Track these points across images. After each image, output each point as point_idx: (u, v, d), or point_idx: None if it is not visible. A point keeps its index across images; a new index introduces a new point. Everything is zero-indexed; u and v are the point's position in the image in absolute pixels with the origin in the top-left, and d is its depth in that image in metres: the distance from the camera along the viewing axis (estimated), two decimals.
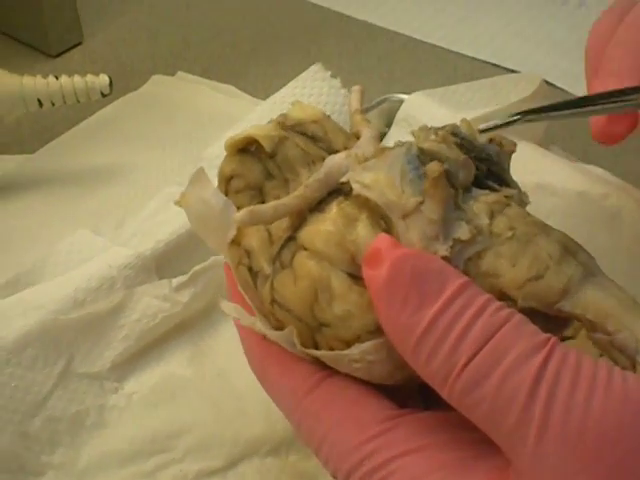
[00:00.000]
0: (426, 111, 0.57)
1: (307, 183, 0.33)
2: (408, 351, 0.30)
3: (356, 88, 0.40)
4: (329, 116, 0.37)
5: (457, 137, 0.35)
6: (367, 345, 0.32)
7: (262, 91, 0.67)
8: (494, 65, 0.73)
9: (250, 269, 0.34)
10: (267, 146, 0.35)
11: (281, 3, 0.81)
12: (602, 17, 0.47)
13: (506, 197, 0.34)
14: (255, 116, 0.55)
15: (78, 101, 0.58)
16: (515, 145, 0.37)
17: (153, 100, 0.68)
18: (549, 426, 0.27)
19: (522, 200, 0.35)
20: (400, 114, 0.58)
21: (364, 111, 0.39)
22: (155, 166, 0.57)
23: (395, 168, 0.32)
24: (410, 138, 0.56)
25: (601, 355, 0.47)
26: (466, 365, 0.28)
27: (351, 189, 0.33)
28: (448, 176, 0.32)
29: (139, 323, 0.47)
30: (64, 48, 0.75)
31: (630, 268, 0.52)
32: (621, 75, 0.45)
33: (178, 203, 0.36)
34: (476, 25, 0.78)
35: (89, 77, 0.57)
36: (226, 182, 0.36)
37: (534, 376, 0.27)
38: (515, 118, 0.44)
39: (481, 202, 0.33)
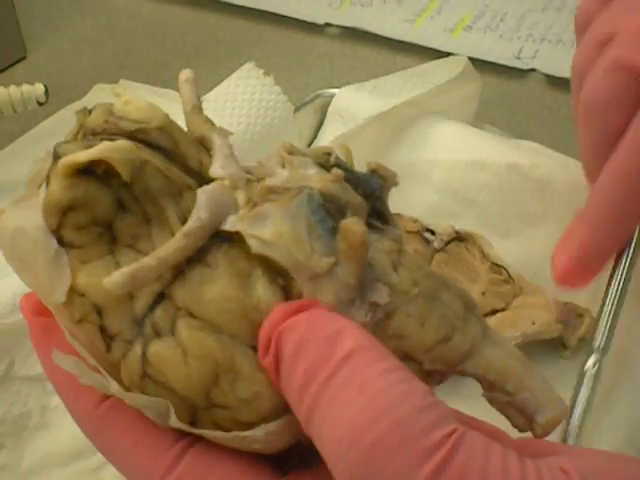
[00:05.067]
0: (357, 102, 0.58)
1: (188, 231, 0.27)
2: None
3: (184, 76, 0.32)
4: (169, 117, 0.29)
5: (341, 168, 0.30)
6: (273, 425, 0.27)
7: (204, 94, 0.68)
8: (431, 55, 0.74)
9: (102, 329, 0.27)
10: (125, 174, 0.27)
11: (220, 9, 0.82)
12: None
13: (395, 241, 0.29)
14: None
15: (15, 111, 0.59)
16: (397, 176, 0.32)
17: None
18: None
19: (401, 239, 0.30)
20: (331, 108, 0.59)
21: (201, 107, 0.31)
22: None
23: (300, 220, 0.27)
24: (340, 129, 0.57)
25: (533, 323, 0.48)
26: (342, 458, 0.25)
27: (236, 235, 0.27)
28: None
29: None
30: (8, 63, 0.75)
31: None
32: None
33: None
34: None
35: (24, 87, 0.58)
36: (61, 214, 0.27)
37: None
38: None
39: (379, 251, 0.28)
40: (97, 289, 0.27)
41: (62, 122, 0.67)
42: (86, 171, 0.27)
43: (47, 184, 0.27)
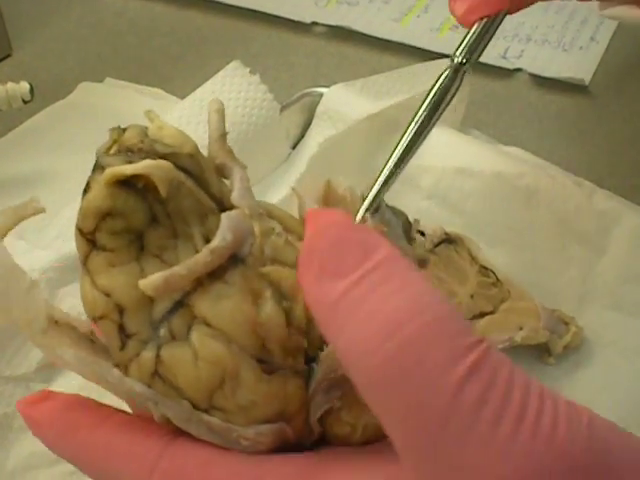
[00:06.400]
0: (345, 103, 0.58)
1: (214, 248, 0.29)
2: (320, 325, 0.27)
3: (215, 106, 0.34)
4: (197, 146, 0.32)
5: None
6: (264, 427, 0.30)
7: (190, 93, 0.68)
8: (418, 55, 0.74)
9: (121, 328, 0.30)
10: (164, 190, 0.29)
11: (206, 7, 0.82)
12: None
13: None
14: (175, 115, 0.56)
15: (0, 109, 0.58)
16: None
17: (80, 107, 0.68)
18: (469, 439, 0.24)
19: None
20: (320, 107, 0.59)
21: (225, 137, 0.34)
22: (80, 171, 0.57)
23: None
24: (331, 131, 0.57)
25: (521, 328, 0.48)
26: (378, 349, 0.25)
27: (250, 258, 0.30)
28: None
29: None
30: None
31: (548, 245, 0.53)
32: None
33: None
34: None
35: (9, 85, 0.58)
36: (99, 218, 0.29)
37: (454, 391, 0.24)
38: None
39: None
40: (122, 290, 0.29)
41: (47, 120, 0.67)
42: (126, 183, 0.29)
43: (86, 190, 0.30)
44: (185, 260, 0.29)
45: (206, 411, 0.29)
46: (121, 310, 0.29)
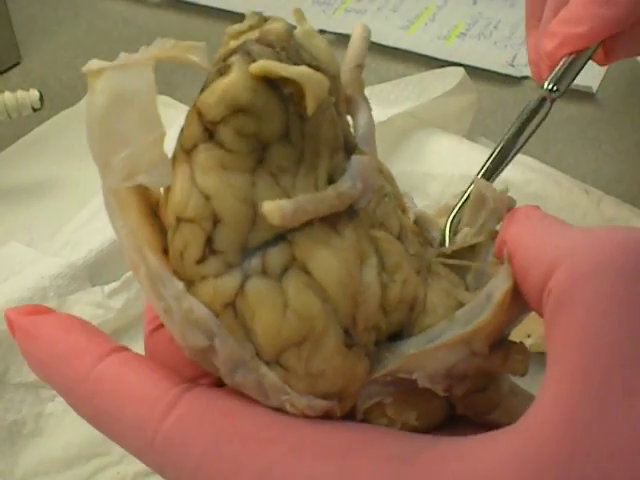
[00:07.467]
0: None
1: (342, 192, 0.26)
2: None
3: (362, 31, 0.31)
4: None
5: None
6: (318, 403, 0.26)
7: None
8: (426, 63, 0.74)
9: (209, 241, 0.25)
10: (312, 107, 0.25)
11: (215, 15, 0.82)
12: None
13: None
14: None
15: (9, 117, 0.59)
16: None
17: None
18: None
19: None
20: None
21: (362, 69, 0.30)
22: (89, 178, 0.58)
23: None
24: None
25: (529, 336, 0.48)
26: None
27: (362, 212, 0.27)
28: None
29: None
30: (2, 69, 0.75)
31: None
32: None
33: (89, 73, 0.26)
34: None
35: (19, 92, 0.58)
36: (231, 110, 0.25)
37: None
38: None
39: None
40: (225, 199, 0.25)
41: (57, 128, 0.67)
42: (271, 84, 0.25)
43: (223, 71, 0.25)
44: (301, 193, 0.26)
45: (267, 363, 0.26)
46: (216, 220, 0.25)
